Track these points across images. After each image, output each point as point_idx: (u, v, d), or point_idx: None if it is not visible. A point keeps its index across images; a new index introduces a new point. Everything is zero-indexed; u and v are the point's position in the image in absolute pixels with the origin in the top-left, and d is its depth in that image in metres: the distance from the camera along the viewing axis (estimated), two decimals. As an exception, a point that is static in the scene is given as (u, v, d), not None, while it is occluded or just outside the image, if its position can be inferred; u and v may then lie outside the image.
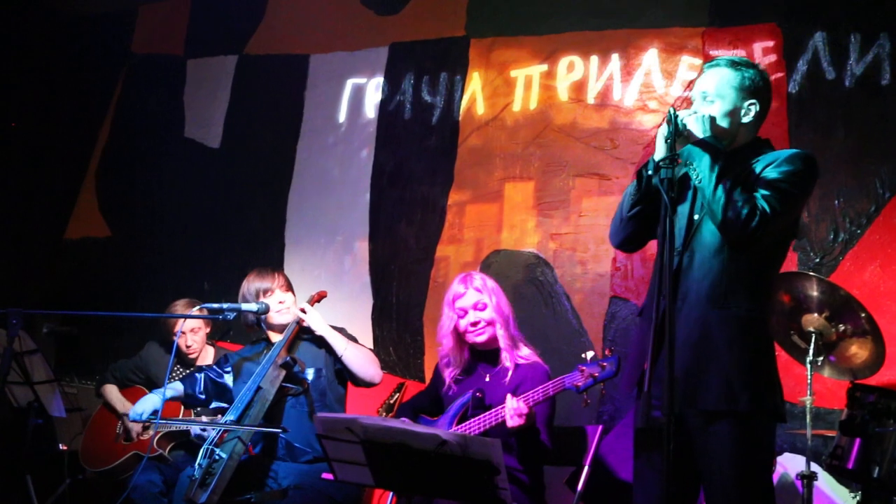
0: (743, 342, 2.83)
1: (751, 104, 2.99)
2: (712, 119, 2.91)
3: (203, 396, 4.25)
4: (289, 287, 4.32)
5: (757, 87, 3.01)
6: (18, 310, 3.85)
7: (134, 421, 4.23)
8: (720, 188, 2.77)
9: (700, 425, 2.81)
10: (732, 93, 2.97)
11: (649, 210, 2.98)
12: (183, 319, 4.79)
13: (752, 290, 2.90)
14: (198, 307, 4.66)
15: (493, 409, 3.61)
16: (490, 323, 3.89)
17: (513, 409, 3.49)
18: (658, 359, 2.63)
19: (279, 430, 3.89)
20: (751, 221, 2.74)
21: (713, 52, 5.02)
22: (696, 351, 2.81)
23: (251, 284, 4.26)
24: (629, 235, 3.13)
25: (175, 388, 4.30)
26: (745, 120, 3.00)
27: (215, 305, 4.34)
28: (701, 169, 2.82)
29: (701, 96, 2.99)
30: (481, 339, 3.90)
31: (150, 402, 4.18)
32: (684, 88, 5.02)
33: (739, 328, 2.84)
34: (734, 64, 3.01)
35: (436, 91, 5.93)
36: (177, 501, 3.87)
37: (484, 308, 3.90)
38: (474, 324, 3.89)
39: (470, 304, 3.91)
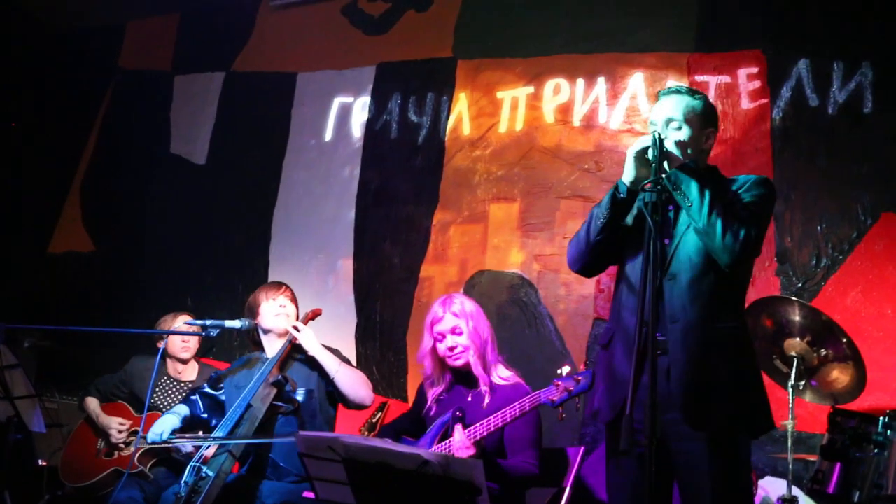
0: (740, 360, 2.87)
1: (711, 131, 3.06)
2: (685, 143, 2.94)
3: (206, 416, 4.20)
4: (294, 300, 4.28)
5: (713, 115, 3.08)
6: (0, 324, 3.82)
7: (153, 443, 4.15)
8: (715, 213, 2.79)
9: (689, 446, 2.81)
10: (697, 120, 3.01)
11: (614, 235, 2.99)
12: (167, 337, 4.74)
13: (735, 308, 2.96)
14: (183, 321, 4.62)
15: (446, 441, 3.63)
16: (466, 348, 3.89)
17: (459, 443, 3.53)
18: (639, 383, 2.61)
19: (286, 439, 3.84)
20: (746, 240, 2.79)
21: (699, 78, 5.06)
22: (698, 373, 2.80)
23: (259, 293, 4.25)
24: (594, 260, 3.11)
25: (183, 409, 4.24)
26: (706, 147, 3.05)
27: (198, 322, 4.32)
28: (690, 193, 2.83)
29: (665, 122, 2.99)
30: (458, 363, 3.90)
31: (168, 422, 4.09)
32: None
33: (734, 345, 2.87)
34: (693, 92, 3.05)
35: (422, 111, 5.95)
36: (159, 519, 3.83)
37: (460, 334, 3.90)
38: (451, 349, 3.90)
39: (447, 328, 3.91)
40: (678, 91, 3.05)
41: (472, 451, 3.50)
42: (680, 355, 2.81)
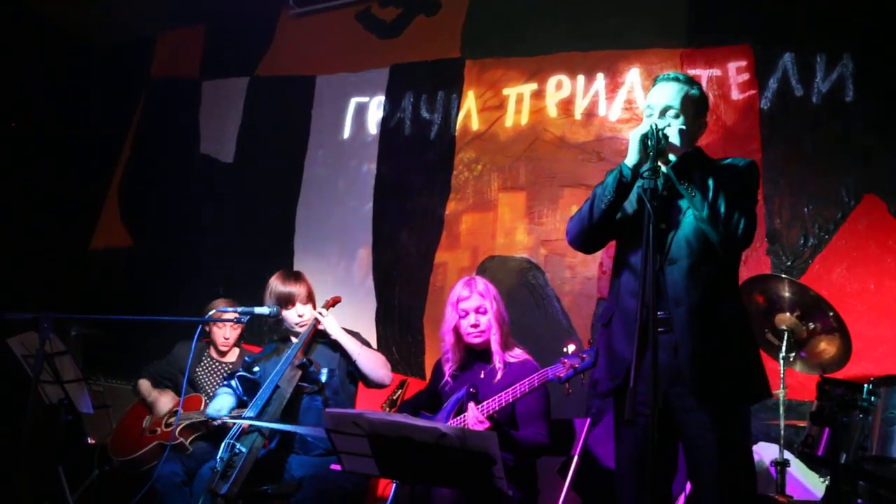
0: (739, 339, 2.88)
1: (703, 120, 3.03)
2: (686, 132, 2.90)
3: (246, 398, 4.25)
4: (309, 298, 4.27)
5: (705, 102, 3.04)
6: (48, 314, 3.84)
7: (210, 418, 4.20)
8: (721, 200, 2.77)
9: (695, 418, 2.83)
10: (692, 108, 2.97)
11: (615, 213, 2.97)
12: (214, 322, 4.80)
13: (734, 289, 2.96)
14: (215, 309, 4.66)
15: (460, 416, 3.65)
16: (488, 327, 3.91)
17: (474, 418, 3.55)
18: (643, 359, 2.62)
19: (313, 432, 3.87)
20: (745, 233, 2.79)
21: (692, 72, 5.05)
22: (706, 352, 2.81)
23: (276, 287, 4.24)
24: (595, 238, 3.08)
25: (227, 392, 4.29)
26: (698, 134, 3.02)
27: (230, 309, 4.36)
28: (695, 183, 2.80)
29: (662, 109, 2.94)
30: (478, 340, 3.92)
31: (226, 401, 4.15)
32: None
33: (735, 327, 2.88)
34: (690, 81, 3.00)
35: (433, 108, 5.96)
36: (197, 492, 3.86)
37: (485, 312, 3.92)
38: (474, 325, 3.91)
39: (472, 307, 3.92)
40: (676, 78, 2.99)
41: (485, 425, 3.53)
42: (687, 336, 2.82)
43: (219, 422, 4.16)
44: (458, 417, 3.67)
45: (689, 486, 3.67)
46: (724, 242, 2.82)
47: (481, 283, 4.01)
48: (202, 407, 4.63)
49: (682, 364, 2.81)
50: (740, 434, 2.86)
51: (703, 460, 2.83)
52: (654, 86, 3.04)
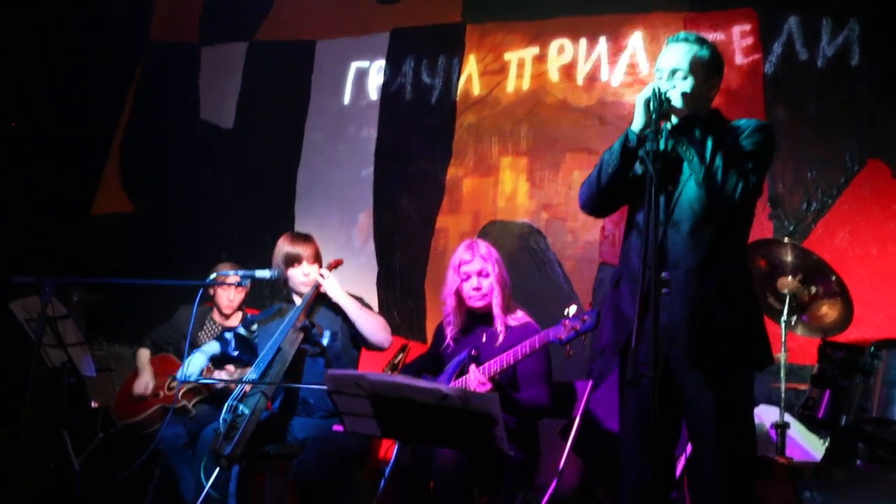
0: (740, 302, 2.86)
1: (715, 81, 2.95)
2: (689, 95, 2.84)
3: (236, 353, 4.25)
4: (316, 258, 4.23)
5: (718, 63, 2.96)
6: (51, 279, 3.86)
7: (184, 381, 4.21)
8: (718, 162, 2.73)
9: (693, 380, 2.81)
10: (702, 70, 2.89)
11: (624, 180, 2.94)
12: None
13: (737, 253, 2.92)
14: (216, 273, 4.66)
15: (461, 378, 3.66)
16: (490, 290, 3.91)
17: (475, 380, 3.56)
18: (645, 321, 2.62)
19: (320, 387, 3.86)
20: (744, 192, 2.74)
21: (694, 35, 5.01)
22: (698, 315, 2.80)
23: (284, 247, 4.21)
24: (604, 203, 3.05)
25: (213, 347, 4.29)
26: (710, 96, 2.95)
27: (231, 272, 4.37)
28: (692, 144, 2.77)
29: (670, 72, 2.88)
30: (479, 304, 3.92)
31: (195, 363, 4.15)
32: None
33: (734, 289, 2.85)
34: (701, 41, 2.92)
35: (434, 73, 5.92)
36: (200, 453, 3.89)
37: (487, 276, 3.91)
38: (476, 289, 3.90)
39: (474, 270, 3.92)
40: (686, 39, 2.91)
41: (486, 387, 3.53)
42: (681, 300, 2.80)
43: (221, 384, 4.17)
44: (460, 379, 3.68)
45: (689, 447, 3.70)
46: (719, 204, 2.78)
47: (483, 246, 4.00)
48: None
49: (675, 325, 2.80)
50: (741, 397, 2.85)
51: (702, 423, 2.83)
52: (665, 47, 3.00)
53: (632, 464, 2.93)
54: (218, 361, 4.30)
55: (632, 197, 3.03)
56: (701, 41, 2.93)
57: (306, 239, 4.27)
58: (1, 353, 5.66)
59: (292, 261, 4.16)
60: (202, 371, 4.16)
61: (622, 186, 2.96)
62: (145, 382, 4.78)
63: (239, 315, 5.05)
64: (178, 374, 4.18)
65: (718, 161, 2.74)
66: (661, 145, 2.72)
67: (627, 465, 2.96)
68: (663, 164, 2.71)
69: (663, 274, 2.80)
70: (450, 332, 4.03)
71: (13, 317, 4.74)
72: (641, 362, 2.61)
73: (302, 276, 4.17)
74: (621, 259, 3.08)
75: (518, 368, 3.76)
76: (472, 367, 3.61)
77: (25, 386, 3.76)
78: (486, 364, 3.60)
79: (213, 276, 4.66)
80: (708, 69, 2.92)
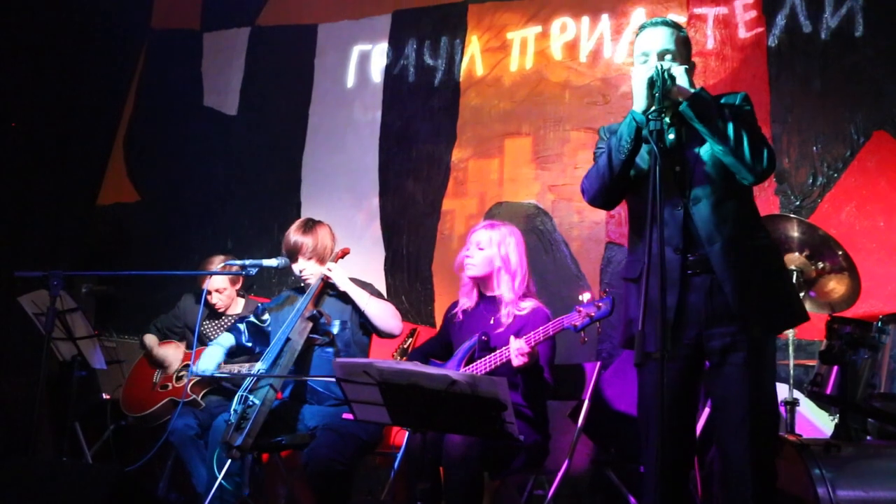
0: (777, 267, 2.97)
1: (692, 61, 3.02)
2: (688, 72, 2.87)
3: (250, 344, 4.26)
4: (315, 251, 4.18)
5: (690, 45, 3.06)
6: (59, 272, 3.88)
7: (198, 376, 4.24)
8: (742, 135, 2.76)
9: (729, 354, 2.83)
10: (685, 50, 2.99)
11: (632, 163, 2.92)
12: (209, 278, 4.78)
13: (758, 223, 2.98)
14: (222, 263, 4.68)
15: (499, 351, 3.64)
16: (482, 264, 3.92)
17: (517, 350, 3.53)
18: (665, 305, 2.60)
19: (329, 378, 3.90)
20: (771, 158, 2.80)
21: (697, 11, 5.00)
22: (750, 283, 2.82)
23: (286, 237, 4.22)
24: (615, 192, 3.02)
25: (227, 339, 4.29)
26: (692, 76, 2.96)
27: (238, 262, 4.38)
28: (711, 121, 2.77)
29: (659, 53, 2.92)
30: (469, 272, 3.96)
31: (214, 356, 4.17)
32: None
33: (771, 256, 2.94)
34: (675, 24, 3.01)
35: (437, 55, 5.90)
36: (212, 444, 3.91)
37: (482, 249, 3.93)
38: (467, 257, 3.95)
39: (475, 240, 3.95)
40: (665, 23, 2.98)
41: (525, 360, 3.52)
42: (728, 272, 2.80)
43: (234, 376, 4.19)
44: (499, 351, 3.65)
45: (704, 412, 3.71)
46: (755, 174, 2.81)
47: (500, 226, 4.00)
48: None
49: (728, 300, 2.80)
50: (769, 370, 2.90)
51: (730, 398, 2.83)
52: (640, 32, 3.02)
53: (653, 442, 2.93)
54: (232, 353, 4.31)
55: (635, 188, 2.99)
56: (676, 24, 3.02)
57: (306, 230, 4.23)
58: (11, 347, 5.71)
59: (291, 255, 4.18)
60: (219, 365, 4.17)
61: (628, 173, 2.94)
62: (169, 356, 4.81)
63: (241, 302, 5.06)
64: (196, 369, 4.20)
65: (743, 134, 2.76)
66: (666, 124, 2.75)
67: (649, 444, 2.95)
68: (671, 144, 2.73)
69: (689, 256, 2.82)
70: (461, 305, 4.06)
71: (23, 311, 4.77)
72: (685, 345, 2.68)
73: (297, 272, 4.19)
74: (636, 253, 3.02)
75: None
76: (512, 337, 3.58)
77: (37, 380, 3.79)
78: (530, 335, 3.54)
79: (218, 265, 4.68)
80: (688, 49, 3.02)
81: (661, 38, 2.94)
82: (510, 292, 3.89)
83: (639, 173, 2.94)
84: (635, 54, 3.02)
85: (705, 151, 2.87)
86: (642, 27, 3.03)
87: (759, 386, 2.83)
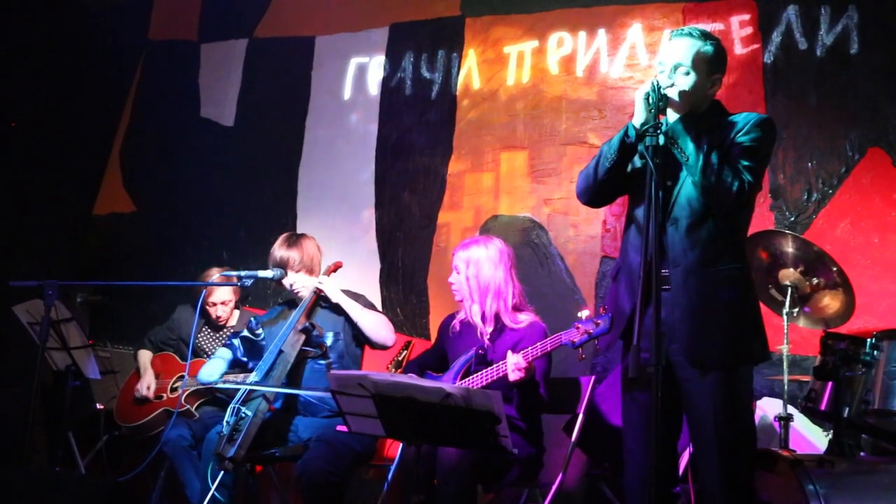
0: (738, 299, 2.87)
1: (717, 77, 2.95)
2: (688, 93, 2.86)
3: (245, 359, 4.27)
4: (303, 264, 4.21)
5: (721, 60, 2.95)
6: (53, 282, 3.88)
7: (205, 384, 4.25)
8: (711, 164, 2.74)
9: (692, 375, 2.84)
10: (705, 66, 2.88)
11: (621, 174, 2.97)
12: (212, 291, 4.79)
13: (736, 250, 2.93)
14: (218, 274, 4.69)
15: (496, 365, 3.65)
16: (460, 288, 3.95)
17: (514, 364, 3.54)
18: (645, 315, 2.64)
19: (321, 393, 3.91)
20: (740, 192, 2.75)
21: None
22: (698, 313, 2.83)
23: (273, 252, 4.23)
24: (601, 194, 3.10)
25: (226, 353, 4.30)
26: (712, 91, 2.96)
27: (233, 273, 4.37)
28: (686, 147, 2.78)
29: (673, 67, 2.87)
30: (456, 298, 4.00)
31: (217, 366, 4.20)
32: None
33: (733, 286, 2.87)
34: (705, 36, 2.91)
35: (434, 68, 5.92)
36: (205, 455, 3.91)
37: (459, 273, 3.95)
38: (451, 283, 3.99)
39: (454, 263, 3.99)
40: (690, 34, 2.90)
41: (522, 375, 3.53)
42: (682, 297, 2.83)
43: (227, 387, 4.19)
44: (496, 365, 3.66)
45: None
46: (716, 204, 2.80)
47: (469, 248, 3.99)
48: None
49: (675, 323, 2.82)
50: (739, 391, 2.87)
51: (701, 418, 2.85)
52: (668, 40, 2.99)
53: (635, 459, 2.95)
54: (231, 366, 4.32)
55: (631, 190, 3.07)
56: (705, 36, 2.91)
57: (292, 243, 4.24)
58: (5, 356, 5.70)
59: (279, 268, 4.18)
60: (223, 375, 4.20)
61: (618, 179, 3.00)
62: (147, 383, 4.79)
63: (237, 314, 5.06)
64: (201, 377, 4.23)
65: (713, 160, 2.75)
66: (661, 141, 2.74)
67: (631, 460, 2.98)
68: (663, 159, 2.73)
69: (664, 271, 2.82)
70: (459, 316, 4.07)
71: (17, 320, 4.77)
72: (645, 359, 2.62)
73: (288, 286, 4.20)
74: (620, 253, 3.12)
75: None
76: (510, 352, 3.59)
77: (30, 389, 3.78)
78: (527, 350, 3.56)
79: (215, 276, 4.68)
80: (711, 65, 2.91)
81: (679, 51, 2.88)
82: (492, 309, 3.90)
83: (633, 173, 2.99)
84: (655, 61, 3.03)
85: None
86: (671, 35, 2.98)
87: (730, 405, 2.83)
